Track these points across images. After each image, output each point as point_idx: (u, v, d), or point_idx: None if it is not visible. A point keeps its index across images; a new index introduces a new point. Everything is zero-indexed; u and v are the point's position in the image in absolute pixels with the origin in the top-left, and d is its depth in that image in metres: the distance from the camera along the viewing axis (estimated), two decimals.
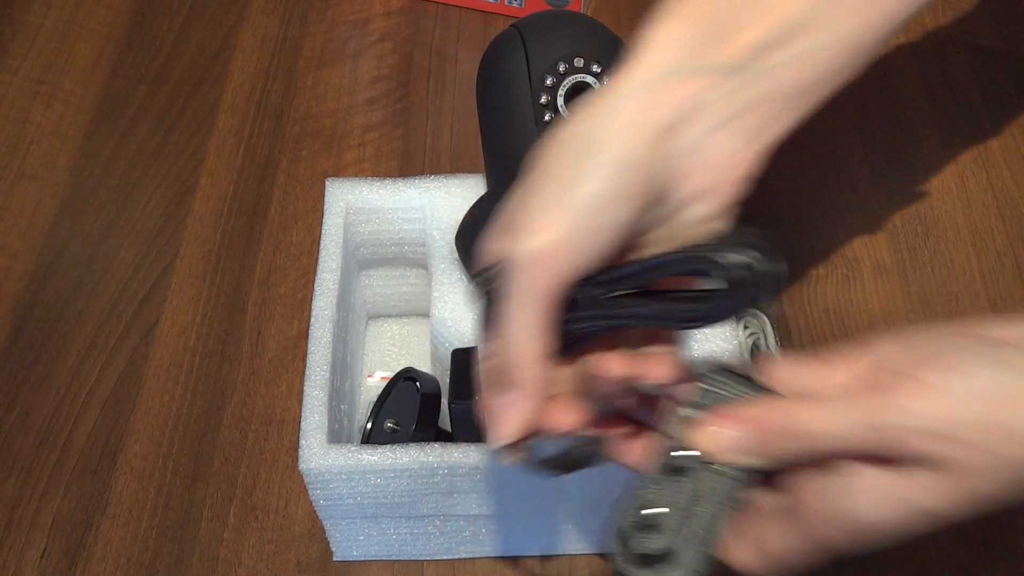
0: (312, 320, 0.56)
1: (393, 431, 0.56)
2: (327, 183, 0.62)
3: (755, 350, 0.66)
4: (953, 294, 0.72)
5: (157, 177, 0.77)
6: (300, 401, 0.54)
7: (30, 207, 0.76)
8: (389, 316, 0.70)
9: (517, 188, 0.40)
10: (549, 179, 0.39)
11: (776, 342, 0.66)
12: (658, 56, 0.39)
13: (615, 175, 0.38)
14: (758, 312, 0.67)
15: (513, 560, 0.60)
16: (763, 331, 0.66)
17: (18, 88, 0.83)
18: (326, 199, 0.61)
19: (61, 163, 0.78)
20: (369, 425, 0.56)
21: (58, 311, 0.70)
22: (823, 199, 0.76)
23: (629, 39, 0.40)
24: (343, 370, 0.59)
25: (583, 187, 0.38)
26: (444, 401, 0.57)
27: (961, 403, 0.35)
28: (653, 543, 0.37)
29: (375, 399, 0.58)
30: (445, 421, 0.56)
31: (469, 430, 0.53)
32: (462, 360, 0.55)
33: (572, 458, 0.41)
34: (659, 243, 0.40)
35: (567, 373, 0.42)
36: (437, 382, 0.58)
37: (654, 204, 0.40)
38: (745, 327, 0.66)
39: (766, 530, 0.39)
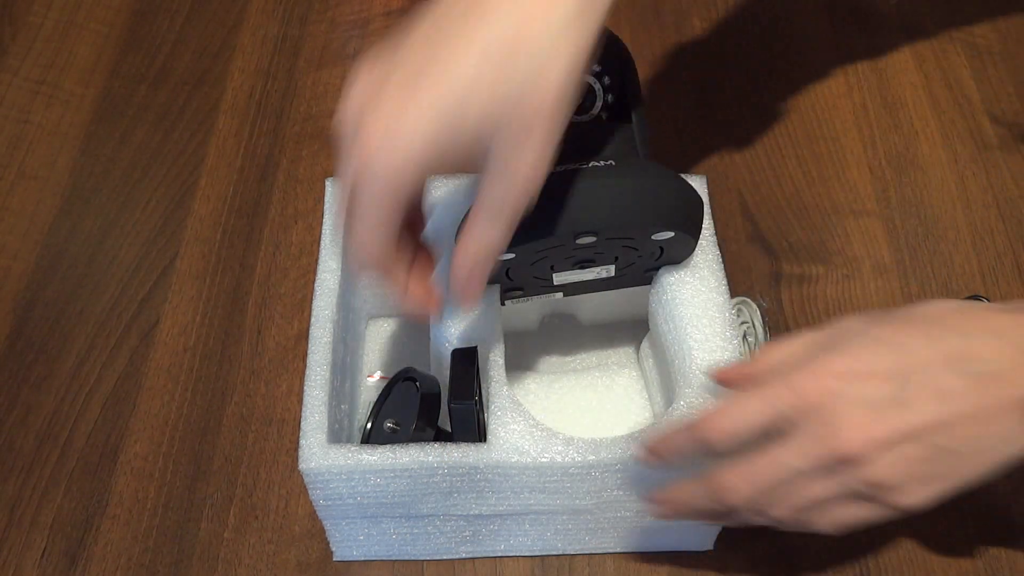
0: (312, 320, 0.56)
1: (393, 431, 0.56)
2: (327, 183, 0.62)
3: (745, 337, 0.65)
4: (953, 294, 0.72)
5: (157, 177, 0.77)
6: (300, 401, 0.54)
7: (30, 207, 0.76)
8: (389, 316, 0.70)
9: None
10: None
11: (766, 332, 0.66)
12: None
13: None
14: (750, 302, 0.67)
15: (513, 560, 0.60)
16: (753, 321, 0.66)
17: (18, 88, 0.83)
18: (326, 199, 0.61)
19: (61, 163, 0.78)
20: (369, 425, 0.56)
21: (58, 311, 0.70)
22: (823, 199, 0.76)
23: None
24: (343, 370, 0.59)
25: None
26: (444, 401, 0.57)
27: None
28: None
29: (375, 399, 0.57)
30: (445, 421, 0.56)
31: (469, 430, 0.53)
32: (462, 360, 0.55)
33: None
34: None
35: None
36: (437, 382, 0.58)
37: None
38: (737, 314, 0.66)
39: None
